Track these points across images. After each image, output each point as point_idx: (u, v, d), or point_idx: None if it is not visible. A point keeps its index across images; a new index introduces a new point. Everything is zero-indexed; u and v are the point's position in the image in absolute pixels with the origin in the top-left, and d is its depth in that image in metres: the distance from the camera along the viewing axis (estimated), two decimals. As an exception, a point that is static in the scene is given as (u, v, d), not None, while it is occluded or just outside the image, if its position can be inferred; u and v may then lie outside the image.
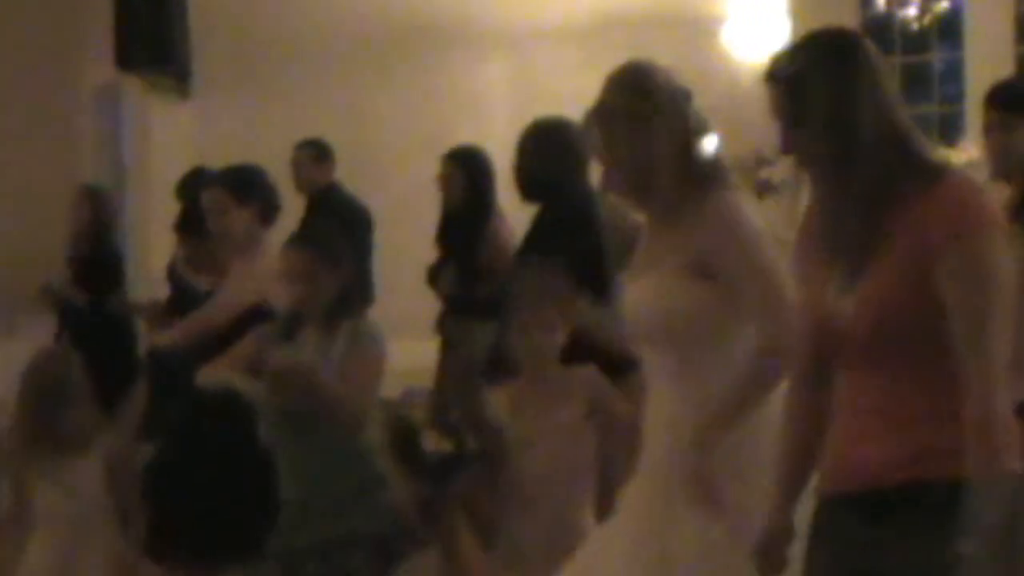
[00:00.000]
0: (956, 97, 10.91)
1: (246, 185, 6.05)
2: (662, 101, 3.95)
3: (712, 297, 3.85)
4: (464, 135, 8.46)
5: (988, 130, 5.64)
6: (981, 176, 5.35)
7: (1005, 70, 9.64)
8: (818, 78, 3.21)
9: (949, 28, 11.08)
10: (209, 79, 11.28)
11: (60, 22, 11.16)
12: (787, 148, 3.34)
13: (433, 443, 5.00)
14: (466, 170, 7.22)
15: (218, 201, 6.02)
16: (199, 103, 11.31)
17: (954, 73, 10.97)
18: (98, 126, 11.20)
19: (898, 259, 3.13)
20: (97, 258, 8.57)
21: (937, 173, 3.19)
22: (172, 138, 10.73)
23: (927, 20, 11.01)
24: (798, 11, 10.63)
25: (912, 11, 11.02)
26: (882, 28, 11.33)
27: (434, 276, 7.39)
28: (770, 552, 3.42)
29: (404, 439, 5.18)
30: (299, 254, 5.22)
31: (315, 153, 9.26)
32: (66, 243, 8.77)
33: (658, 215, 4.00)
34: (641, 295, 3.99)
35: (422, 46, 11.16)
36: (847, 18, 11.00)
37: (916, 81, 11.20)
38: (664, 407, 3.96)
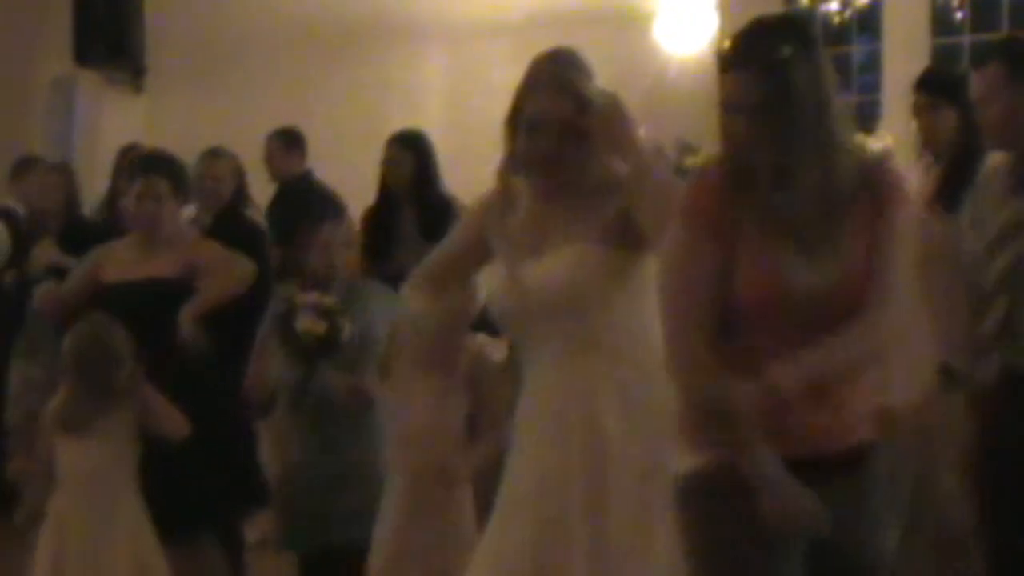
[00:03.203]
0: (874, 87, 10.92)
1: (183, 178, 6.02)
2: None
3: (626, 266, 3.78)
4: (403, 124, 8.44)
5: (917, 112, 6.06)
6: (899, 159, 5.60)
7: (921, 61, 9.65)
8: (798, 63, 3.11)
9: (869, 21, 11.10)
10: (162, 74, 11.23)
11: (20, 17, 11.06)
12: (756, 134, 3.14)
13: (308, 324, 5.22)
14: (414, 151, 7.32)
15: (155, 189, 5.97)
16: (152, 97, 11.24)
17: (873, 64, 10.98)
18: (53, 118, 11.09)
19: (856, 237, 3.13)
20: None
21: (875, 157, 3.24)
22: (125, 130, 10.63)
23: (848, 13, 11.02)
24: (724, 6, 10.62)
25: (834, 5, 11.03)
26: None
27: None
28: None
29: (284, 319, 5.43)
30: (339, 226, 5.82)
31: (283, 142, 9.22)
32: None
33: (566, 199, 3.89)
34: (552, 268, 3.84)
35: (363, 41, 11.13)
36: (771, 12, 11.00)
37: (837, 71, 11.20)
38: (574, 378, 3.84)
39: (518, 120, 3.90)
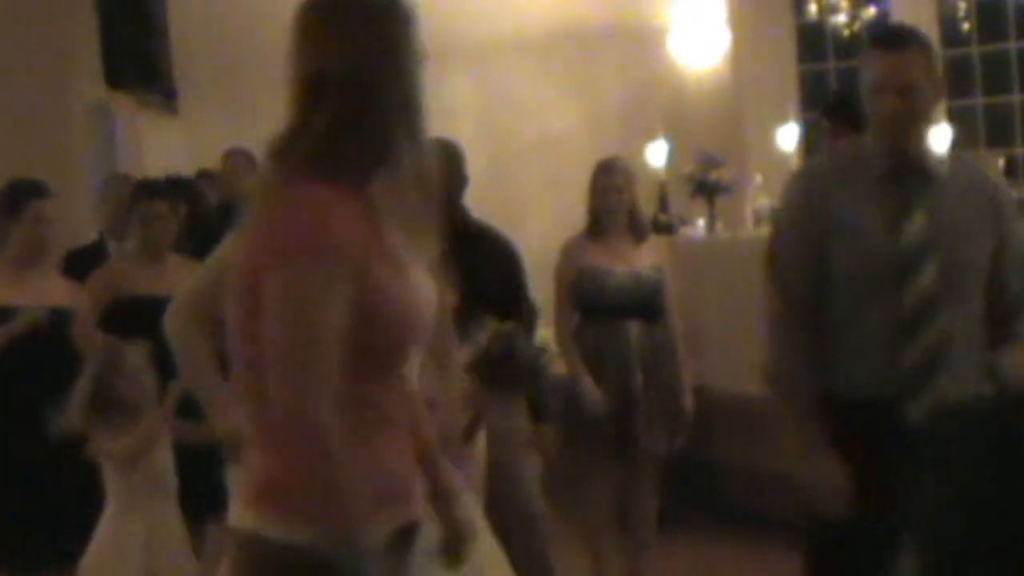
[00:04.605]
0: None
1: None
2: None
3: None
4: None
5: (827, 136, 6.41)
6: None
7: (929, 71, 9.77)
8: None
9: (877, 33, 11.23)
10: (193, 96, 11.35)
11: (49, 43, 11.20)
12: None
13: None
14: None
15: (167, 213, 6.54)
16: (186, 119, 11.38)
17: (883, 74, 11.11)
18: (93, 141, 11.22)
19: None
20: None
21: None
22: (164, 151, 10.80)
23: (856, 26, 11.11)
24: (736, 21, 10.74)
25: (842, 18, 11.11)
26: (815, 35, 11.47)
27: None
28: None
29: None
30: None
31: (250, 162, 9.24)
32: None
33: None
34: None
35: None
36: (781, 26, 11.13)
37: (847, 84, 11.35)
38: None
39: None
